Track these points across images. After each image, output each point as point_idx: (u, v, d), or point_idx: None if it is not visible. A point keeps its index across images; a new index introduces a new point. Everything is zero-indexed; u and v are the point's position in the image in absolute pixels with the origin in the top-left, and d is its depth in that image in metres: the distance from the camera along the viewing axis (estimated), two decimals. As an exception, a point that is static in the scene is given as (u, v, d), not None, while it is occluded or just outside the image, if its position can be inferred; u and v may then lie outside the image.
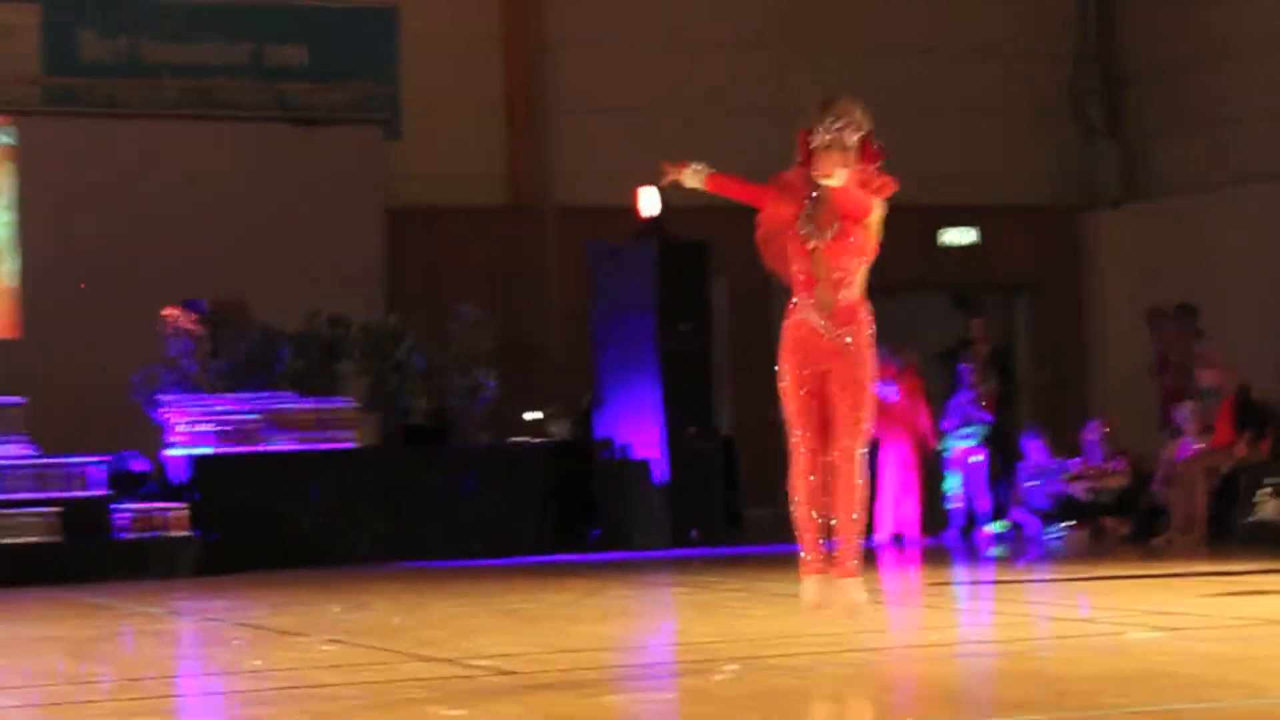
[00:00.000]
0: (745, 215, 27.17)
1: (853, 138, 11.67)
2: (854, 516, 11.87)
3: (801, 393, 11.98)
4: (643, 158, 26.24)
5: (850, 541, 11.90)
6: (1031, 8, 29.81)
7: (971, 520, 24.01)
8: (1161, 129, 29.15)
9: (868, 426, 12.09)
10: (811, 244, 11.81)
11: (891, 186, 12.03)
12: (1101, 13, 29.78)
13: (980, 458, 23.99)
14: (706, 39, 28.13)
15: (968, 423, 24.01)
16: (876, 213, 12.03)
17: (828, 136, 11.60)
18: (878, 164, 11.89)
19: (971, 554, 22.80)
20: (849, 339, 11.95)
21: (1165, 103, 29.06)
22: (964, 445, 24.00)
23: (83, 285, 24.98)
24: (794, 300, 12.09)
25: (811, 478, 12.05)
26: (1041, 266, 29.85)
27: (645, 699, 11.47)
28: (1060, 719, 9.65)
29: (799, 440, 12.09)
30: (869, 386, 12.11)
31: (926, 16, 28.95)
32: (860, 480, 11.95)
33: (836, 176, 11.59)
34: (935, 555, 22.70)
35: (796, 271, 12.00)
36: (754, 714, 10.25)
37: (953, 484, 24.19)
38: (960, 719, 9.89)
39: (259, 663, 13.79)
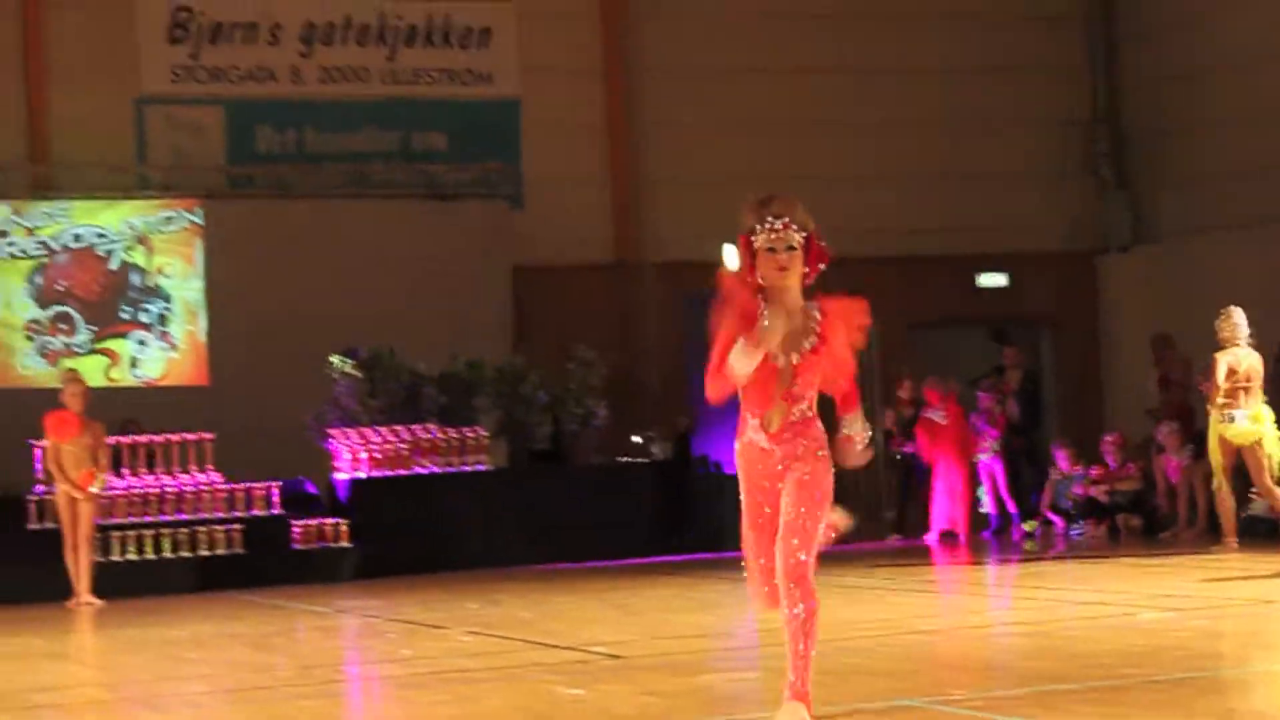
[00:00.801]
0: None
1: (796, 237, 9.00)
2: (799, 648, 9.30)
3: (763, 512, 9.41)
4: (725, 221, 26.29)
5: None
6: (1051, 84, 29.65)
7: (1005, 520, 23.87)
8: (1164, 183, 28.95)
9: (815, 539, 9.31)
10: (780, 361, 9.04)
11: (863, 318, 9.20)
12: (1110, 86, 29.62)
13: (998, 468, 23.88)
14: (777, 120, 28.08)
15: (981, 437, 23.94)
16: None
17: (772, 236, 9.00)
18: (824, 264, 9.10)
19: (1007, 549, 22.63)
20: (806, 474, 9.15)
21: (1166, 161, 28.88)
22: (985, 458, 23.89)
23: None
24: (742, 416, 9.37)
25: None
26: (1063, 303, 29.67)
27: (734, 678, 11.43)
28: (1086, 688, 9.56)
29: (753, 566, 9.57)
30: (822, 506, 9.26)
31: (963, 93, 28.84)
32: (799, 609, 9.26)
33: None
34: (977, 550, 22.57)
35: (754, 389, 9.22)
36: (825, 690, 10.18)
37: (982, 490, 24.08)
38: (1001, 689, 9.81)
39: (409, 652, 13.83)
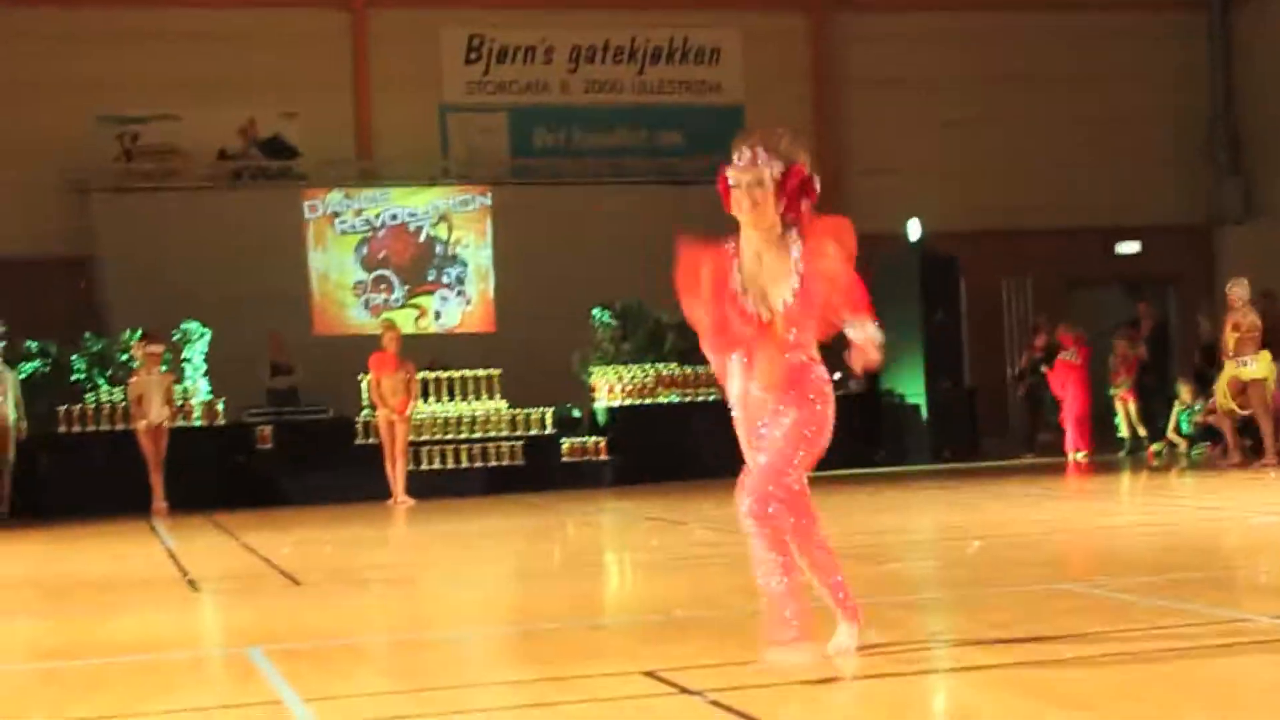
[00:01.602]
0: (985, 237, 26.87)
1: (766, 172, 6.81)
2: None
3: (756, 461, 6.99)
4: (908, 207, 26.01)
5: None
6: (1178, 87, 29.01)
7: (1137, 442, 23.43)
8: (1273, 169, 28.44)
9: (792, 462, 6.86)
10: (765, 316, 6.78)
11: (845, 236, 6.84)
12: (1227, 88, 29.02)
13: (1131, 399, 23.46)
14: (958, 119, 27.68)
15: (1117, 375, 23.59)
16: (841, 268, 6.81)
17: (736, 174, 6.89)
18: (812, 203, 6.90)
19: (1138, 465, 22.17)
20: (793, 417, 6.84)
21: (1274, 149, 28.29)
22: (1120, 391, 23.48)
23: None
24: (736, 360, 7.01)
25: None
26: (1186, 266, 29.00)
27: (918, 566, 11.27)
28: (1208, 577, 9.37)
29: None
30: (802, 443, 6.89)
31: (1107, 96, 28.28)
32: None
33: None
34: (1113, 467, 22.11)
35: (741, 336, 6.89)
36: (996, 572, 10.05)
37: (1119, 418, 23.68)
38: (1139, 577, 9.56)
39: (656, 542, 13.81)
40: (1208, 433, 22.35)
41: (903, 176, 27.49)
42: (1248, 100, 29.27)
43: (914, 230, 25.24)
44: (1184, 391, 23.11)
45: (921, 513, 16.04)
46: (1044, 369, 23.74)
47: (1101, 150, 28.44)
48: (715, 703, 6.30)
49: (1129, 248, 28.80)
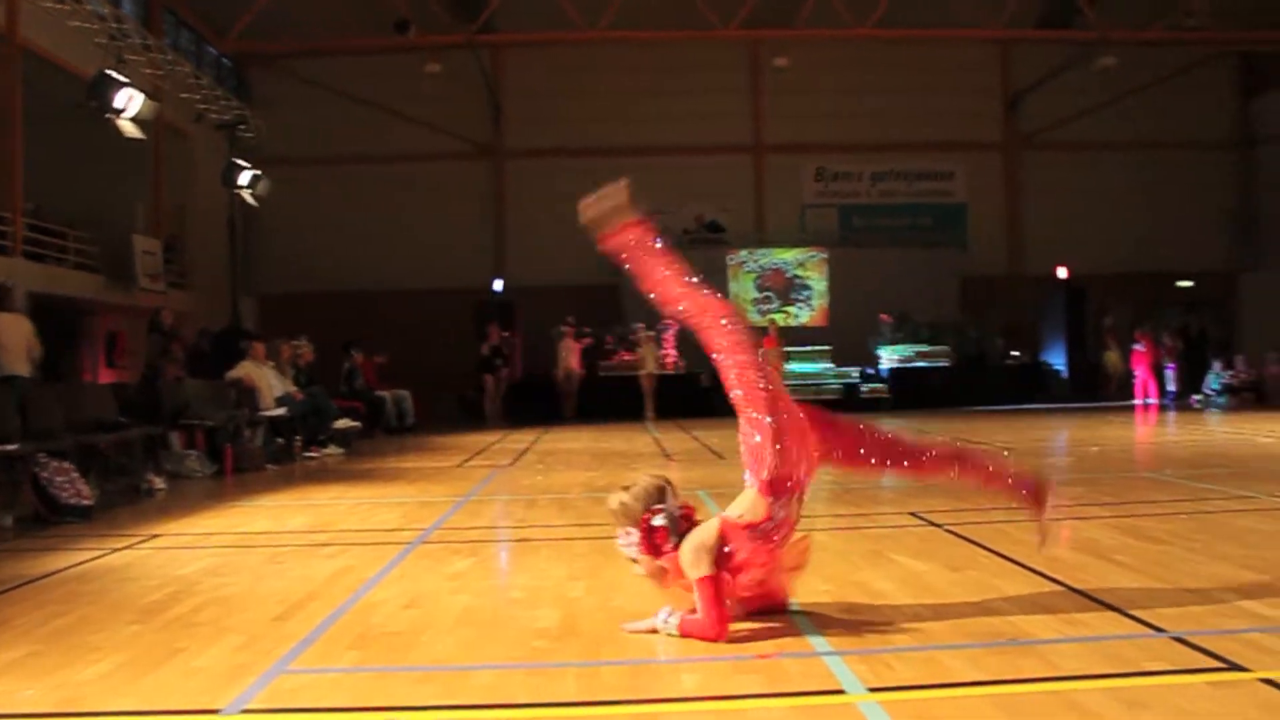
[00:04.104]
0: (1102, 277, 25.26)
1: (632, 548, 4.24)
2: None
3: None
4: (1058, 258, 24.81)
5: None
6: (1219, 188, 26.59)
7: (1182, 396, 22.05)
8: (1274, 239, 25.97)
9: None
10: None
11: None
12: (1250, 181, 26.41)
13: (1171, 371, 22.24)
14: (1082, 211, 26.28)
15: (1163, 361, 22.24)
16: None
17: (628, 553, 4.28)
18: (668, 537, 4.17)
19: (1184, 409, 20.75)
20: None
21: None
22: (1172, 367, 22.21)
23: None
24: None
25: None
26: (1220, 295, 26.35)
27: (1061, 460, 10.81)
28: (1229, 471, 8.86)
29: None
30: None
31: (1173, 203, 26.26)
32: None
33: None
34: (1168, 410, 20.75)
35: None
36: (1104, 465, 9.67)
37: (1167, 381, 22.25)
38: (1185, 469, 9.16)
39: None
40: (1227, 390, 20.95)
41: (1056, 242, 26.25)
42: (1268, 190, 26.41)
43: (1061, 273, 24.26)
44: (1215, 365, 21.74)
45: (1063, 430, 15.46)
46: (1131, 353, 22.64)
47: (1170, 223, 26.35)
48: (950, 531, 6.47)
49: (1185, 283, 26.71)
